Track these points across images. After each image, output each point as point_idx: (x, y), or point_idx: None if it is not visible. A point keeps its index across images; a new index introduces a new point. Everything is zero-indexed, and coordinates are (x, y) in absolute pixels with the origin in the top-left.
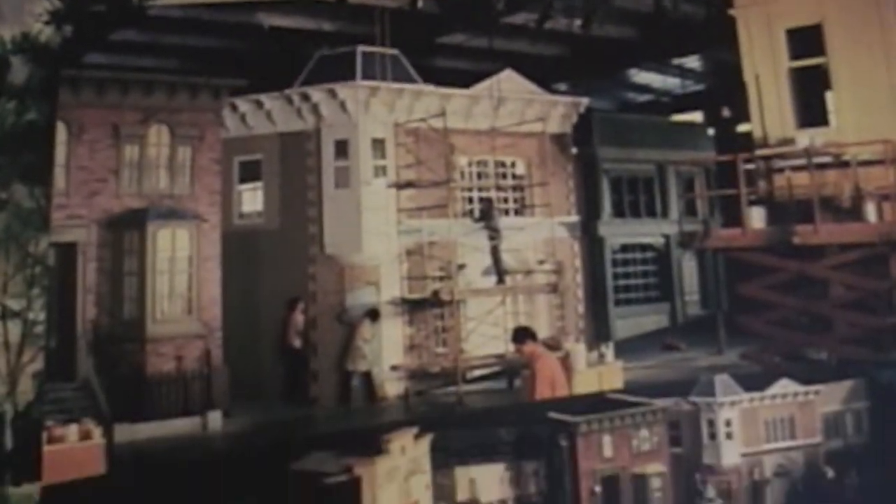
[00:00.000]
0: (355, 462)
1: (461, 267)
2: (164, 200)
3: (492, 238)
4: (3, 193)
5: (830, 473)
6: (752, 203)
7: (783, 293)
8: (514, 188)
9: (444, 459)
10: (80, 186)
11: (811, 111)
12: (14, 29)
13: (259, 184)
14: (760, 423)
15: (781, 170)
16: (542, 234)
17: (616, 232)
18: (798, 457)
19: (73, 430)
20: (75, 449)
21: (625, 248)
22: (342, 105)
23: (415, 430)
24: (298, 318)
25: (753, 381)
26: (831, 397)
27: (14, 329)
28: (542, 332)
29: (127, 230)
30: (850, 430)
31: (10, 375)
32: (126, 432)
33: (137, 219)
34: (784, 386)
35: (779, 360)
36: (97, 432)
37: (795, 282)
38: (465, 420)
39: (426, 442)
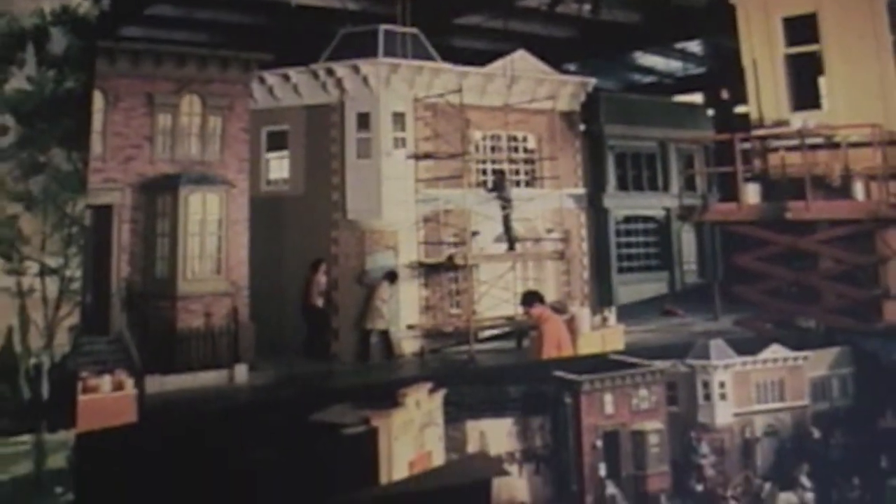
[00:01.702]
0: (373, 414)
1: (474, 234)
2: (195, 166)
3: (504, 207)
4: (42, 157)
5: (817, 433)
6: (747, 180)
7: (775, 265)
8: (525, 161)
9: (457, 413)
10: (116, 152)
11: (805, 95)
12: (54, 2)
13: (285, 152)
14: (752, 385)
15: (776, 149)
16: (550, 205)
17: (620, 204)
18: (787, 417)
19: (106, 381)
20: (108, 399)
21: (628, 220)
22: (365, 80)
23: (429, 385)
24: (321, 279)
25: (746, 346)
26: (819, 363)
27: (52, 285)
28: (550, 296)
29: (160, 194)
30: (835, 394)
31: (48, 329)
32: (156, 384)
33: (170, 183)
34: (775, 351)
35: (770, 327)
36: (129, 383)
37: (787, 254)
38: (477, 377)
39: (440, 397)
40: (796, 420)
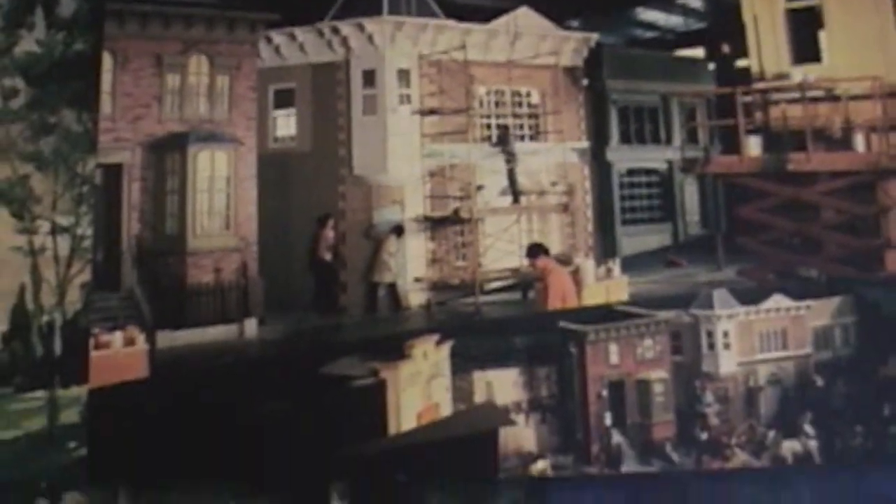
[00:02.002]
0: (381, 366)
1: (479, 188)
2: (203, 125)
3: (508, 161)
4: (52, 118)
5: (820, 382)
6: (749, 133)
7: (777, 216)
8: (529, 116)
9: (463, 364)
10: (126, 112)
11: (805, 49)
12: None
13: (292, 110)
14: (755, 334)
15: (777, 102)
16: (554, 159)
17: (623, 157)
18: (790, 366)
19: (118, 337)
20: (120, 354)
21: (631, 173)
22: (370, 38)
23: (436, 337)
24: (329, 234)
25: (749, 296)
26: (821, 312)
27: (63, 244)
28: (554, 248)
29: (169, 152)
30: (838, 343)
31: (60, 286)
32: (167, 339)
33: (179, 142)
34: (777, 301)
35: (772, 277)
36: (140, 339)
37: (789, 205)
38: (483, 328)
39: (446, 348)
40: (799, 369)
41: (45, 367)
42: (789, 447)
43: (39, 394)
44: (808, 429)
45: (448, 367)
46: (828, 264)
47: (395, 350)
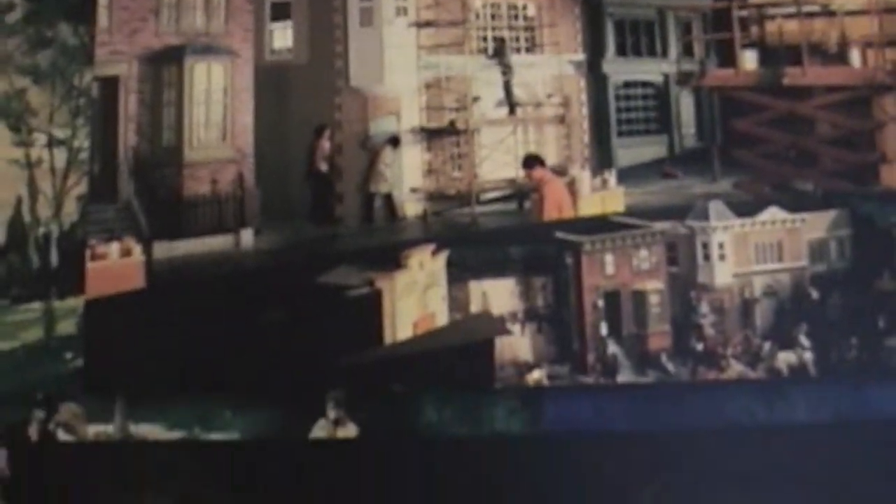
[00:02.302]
0: (377, 276)
1: (475, 99)
2: (200, 38)
3: (504, 73)
4: (49, 32)
5: (815, 294)
6: (744, 47)
7: (773, 129)
8: (525, 28)
9: (459, 274)
10: (122, 25)
11: None
12: None
13: (289, 22)
14: (751, 246)
15: (773, 17)
16: (550, 71)
17: (619, 70)
18: (785, 278)
19: (114, 248)
20: (116, 265)
21: (627, 85)
22: None
23: (432, 247)
24: (325, 145)
25: (744, 208)
26: (816, 225)
27: (60, 156)
28: (550, 159)
29: (166, 65)
30: (833, 256)
31: (56, 199)
32: (164, 249)
33: (175, 54)
34: (773, 213)
35: (768, 190)
36: (137, 250)
37: (784, 119)
38: (479, 238)
39: (442, 258)
40: (795, 281)
41: (41, 278)
42: (784, 359)
43: (36, 305)
44: (804, 341)
45: (444, 277)
46: (823, 178)
47: (391, 260)
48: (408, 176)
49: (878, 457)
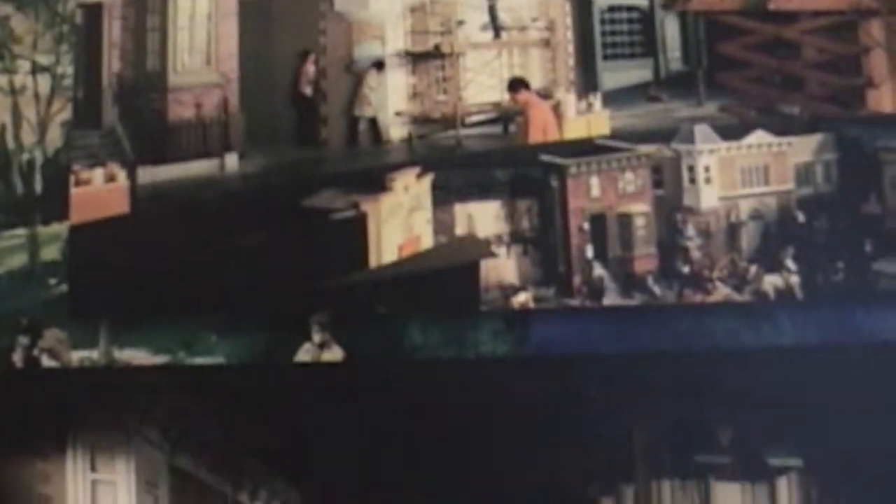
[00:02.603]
0: (361, 199)
1: (460, 23)
2: None
3: None
4: None
5: (801, 218)
6: None
7: (759, 53)
8: None
9: (444, 197)
10: None
11: None
12: None
13: None
14: (737, 170)
15: None
16: None
17: None
18: (771, 202)
19: (98, 174)
20: (101, 191)
21: (612, 9)
22: None
23: (417, 169)
24: (309, 69)
25: (730, 132)
26: (803, 149)
27: (44, 82)
28: (535, 82)
29: None
30: (819, 180)
31: (40, 125)
32: (148, 174)
33: None
34: (759, 137)
35: (754, 114)
36: (122, 175)
37: (770, 43)
38: (464, 161)
39: (427, 181)
40: (781, 204)
41: (25, 205)
42: (771, 282)
43: (20, 231)
44: (790, 264)
45: (429, 200)
46: (809, 102)
47: (376, 183)
48: (392, 99)
49: (863, 380)
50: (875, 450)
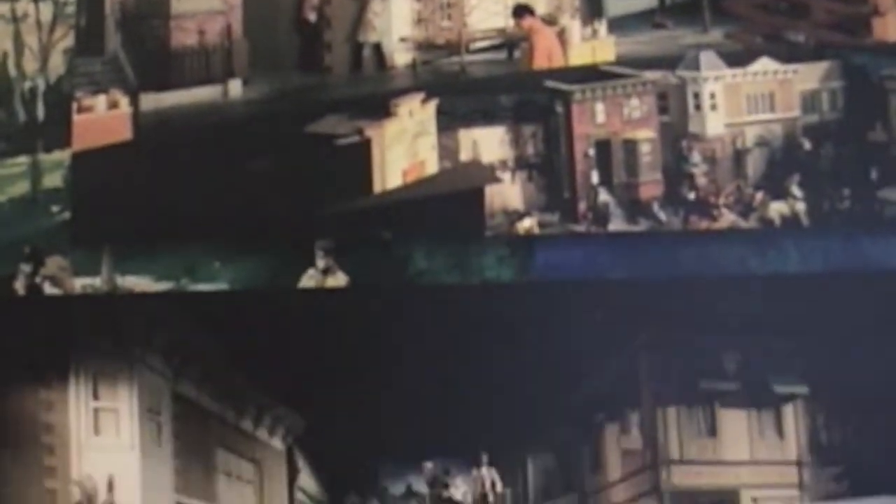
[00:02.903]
0: (366, 125)
1: None
2: None
3: None
4: None
5: (807, 145)
6: None
7: None
8: None
9: (449, 122)
10: None
11: None
12: None
13: None
14: (742, 97)
15: None
16: None
17: None
18: (777, 129)
19: (101, 101)
20: (103, 117)
21: None
22: None
23: (421, 95)
24: None
25: (736, 59)
26: (808, 76)
27: (45, 9)
28: (540, 8)
29: None
30: (825, 107)
31: (42, 52)
32: (151, 101)
33: None
34: (764, 64)
35: (759, 41)
36: (124, 102)
37: None
38: (469, 87)
39: (432, 106)
40: (787, 131)
41: (27, 132)
42: (777, 209)
43: (22, 159)
44: (796, 191)
45: (434, 126)
46: (815, 29)
47: (381, 109)
48: (396, 25)
49: (869, 307)
50: (880, 377)
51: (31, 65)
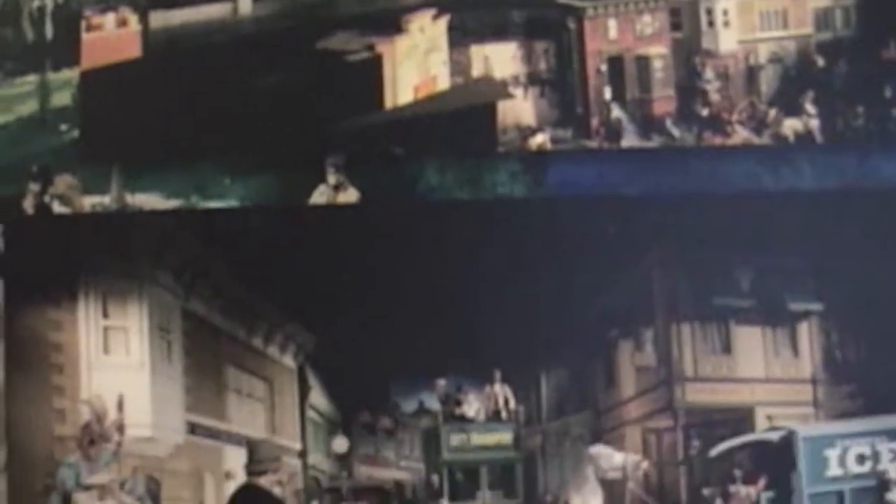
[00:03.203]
0: (377, 41)
1: None
2: None
3: None
4: None
5: (821, 62)
6: None
7: None
8: None
9: (460, 38)
10: None
11: None
12: None
13: None
14: (755, 13)
15: None
16: None
17: None
18: (790, 46)
19: (110, 18)
20: (112, 35)
21: None
22: None
23: (433, 11)
24: None
25: None
26: None
27: None
28: None
29: None
30: (839, 24)
31: None
32: (160, 18)
33: None
34: None
35: None
36: (133, 19)
37: None
38: (480, 2)
39: (444, 22)
40: (800, 49)
41: (36, 51)
42: (790, 125)
43: (31, 78)
44: (810, 108)
45: (445, 41)
46: None
47: (392, 24)
48: None
49: (883, 224)
50: (894, 294)
51: None
